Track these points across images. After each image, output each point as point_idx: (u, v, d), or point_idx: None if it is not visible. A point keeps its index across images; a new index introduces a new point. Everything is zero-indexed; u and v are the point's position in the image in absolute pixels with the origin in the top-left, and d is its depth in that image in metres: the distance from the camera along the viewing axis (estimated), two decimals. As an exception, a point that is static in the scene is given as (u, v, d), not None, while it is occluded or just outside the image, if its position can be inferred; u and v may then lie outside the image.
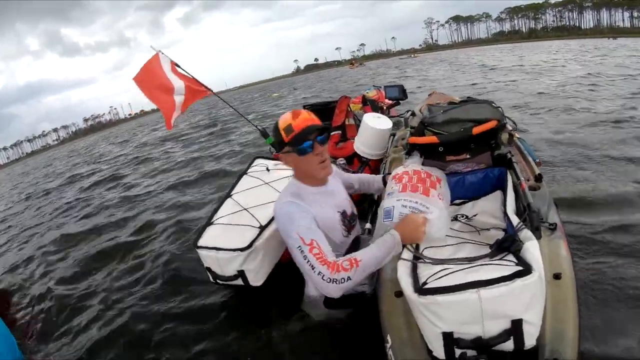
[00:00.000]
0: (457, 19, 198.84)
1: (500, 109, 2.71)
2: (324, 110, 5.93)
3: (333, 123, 5.56)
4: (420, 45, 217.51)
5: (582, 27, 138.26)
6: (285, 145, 2.37)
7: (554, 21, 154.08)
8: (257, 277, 2.95)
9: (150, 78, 4.46)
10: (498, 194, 2.68)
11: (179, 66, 4.61)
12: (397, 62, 67.96)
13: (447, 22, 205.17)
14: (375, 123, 3.70)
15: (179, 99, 4.45)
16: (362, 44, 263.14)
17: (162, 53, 4.54)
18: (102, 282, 4.52)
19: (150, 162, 13.93)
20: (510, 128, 3.24)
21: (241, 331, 3.10)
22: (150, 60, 4.52)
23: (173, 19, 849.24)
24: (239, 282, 2.96)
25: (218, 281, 3.09)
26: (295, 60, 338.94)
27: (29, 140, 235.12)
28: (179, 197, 7.75)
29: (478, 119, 2.63)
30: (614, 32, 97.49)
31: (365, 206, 3.36)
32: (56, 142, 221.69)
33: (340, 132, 5.55)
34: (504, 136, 2.88)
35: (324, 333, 2.76)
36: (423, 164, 2.81)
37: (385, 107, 6.53)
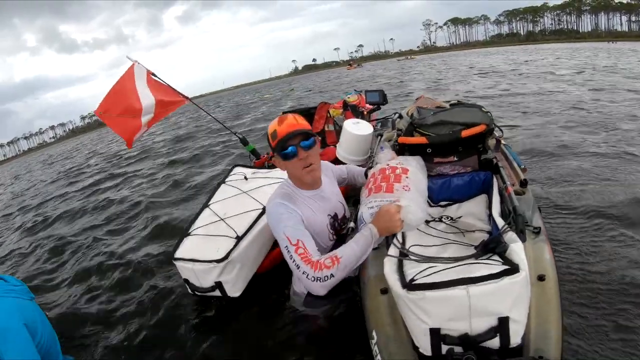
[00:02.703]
0: (455, 21, 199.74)
1: (489, 113, 2.74)
2: (304, 116, 5.85)
3: (313, 129, 5.43)
4: (418, 47, 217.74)
5: (580, 31, 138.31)
6: (273, 150, 2.43)
7: (552, 24, 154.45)
8: (234, 288, 2.96)
9: (116, 102, 4.43)
10: (483, 197, 2.72)
11: (155, 75, 4.64)
12: (396, 65, 67.13)
13: (445, 24, 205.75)
14: (356, 129, 3.72)
15: (146, 119, 4.44)
16: (360, 45, 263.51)
17: (139, 63, 4.55)
18: (77, 300, 4.33)
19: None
20: (497, 134, 3.27)
21: (223, 340, 3.04)
22: (123, 76, 4.52)
23: (172, 17, 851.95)
24: (217, 293, 2.96)
25: (196, 293, 3.08)
26: (294, 61, 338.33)
27: (25, 138, 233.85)
28: (156, 208, 7.45)
29: (467, 123, 2.67)
30: (612, 36, 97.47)
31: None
32: (53, 140, 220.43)
33: (319, 138, 5.47)
34: (491, 141, 2.91)
35: (309, 330, 2.78)
36: None
37: (365, 112, 6.48)
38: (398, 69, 42.99)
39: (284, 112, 6.15)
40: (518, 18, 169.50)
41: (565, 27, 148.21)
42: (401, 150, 2.91)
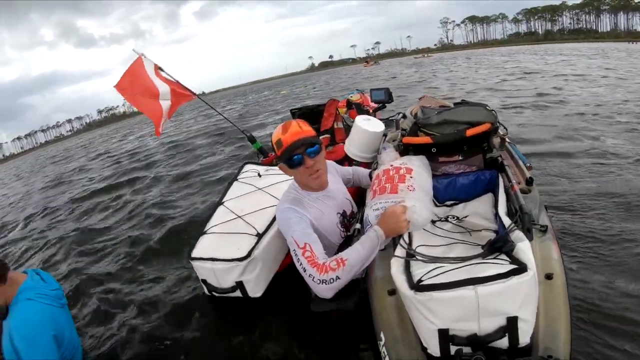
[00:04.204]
0: (473, 19, 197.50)
1: (494, 112, 2.73)
2: (312, 113, 5.94)
3: (322, 127, 5.57)
4: (435, 44, 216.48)
5: (599, 31, 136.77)
6: (279, 158, 2.45)
7: (570, 24, 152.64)
8: (256, 288, 2.86)
9: (133, 83, 4.45)
10: (489, 196, 2.70)
11: (162, 70, 4.63)
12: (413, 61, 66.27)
13: (462, 22, 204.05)
14: (368, 125, 3.69)
15: (165, 104, 4.45)
16: (377, 42, 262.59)
17: (145, 56, 4.58)
18: (90, 299, 4.30)
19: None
20: (502, 133, 3.26)
21: (236, 340, 3.05)
22: (133, 65, 4.52)
23: (189, 13, 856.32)
24: (237, 293, 2.87)
25: (214, 293, 2.98)
26: (310, 57, 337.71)
27: (42, 131, 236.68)
28: (167, 207, 7.48)
29: (472, 121, 2.66)
30: (632, 36, 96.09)
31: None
32: (70, 133, 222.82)
33: (329, 135, 5.57)
34: (496, 140, 2.90)
35: (316, 331, 2.79)
36: None
37: (370, 111, 6.49)
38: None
39: (292, 110, 6.21)
40: (536, 17, 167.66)
41: (584, 26, 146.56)
42: (406, 150, 2.91)
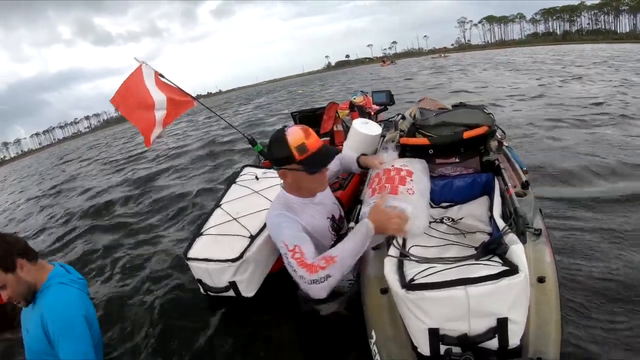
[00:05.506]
0: (490, 19, 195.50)
1: (491, 115, 2.74)
2: (312, 116, 5.95)
3: (321, 129, 5.59)
4: (452, 44, 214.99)
5: (618, 31, 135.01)
6: (295, 162, 2.33)
7: (589, 24, 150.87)
8: (248, 288, 2.89)
9: (129, 96, 4.48)
10: (484, 198, 2.71)
11: (163, 76, 4.66)
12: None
13: (480, 22, 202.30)
14: (365, 129, 3.69)
15: (159, 114, 4.48)
16: (394, 42, 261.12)
17: (146, 64, 4.60)
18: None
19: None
20: (499, 136, 3.26)
21: (234, 339, 3.11)
22: (132, 75, 4.55)
23: (206, 11, 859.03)
24: (231, 293, 2.90)
25: (209, 293, 3.01)
26: (327, 56, 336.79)
27: (60, 127, 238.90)
28: (166, 206, 7.49)
29: (469, 124, 2.67)
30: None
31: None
32: (88, 130, 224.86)
33: (328, 138, 5.57)
34: (493, 143, 2.90)
35: (308, 329, 2.81)
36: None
37: (372, 113, 6.46)
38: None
39: (292, 113, 6.23)
40: (554, 17, 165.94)
41: (603, 27, 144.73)
42: (403, 151, 2.93)
